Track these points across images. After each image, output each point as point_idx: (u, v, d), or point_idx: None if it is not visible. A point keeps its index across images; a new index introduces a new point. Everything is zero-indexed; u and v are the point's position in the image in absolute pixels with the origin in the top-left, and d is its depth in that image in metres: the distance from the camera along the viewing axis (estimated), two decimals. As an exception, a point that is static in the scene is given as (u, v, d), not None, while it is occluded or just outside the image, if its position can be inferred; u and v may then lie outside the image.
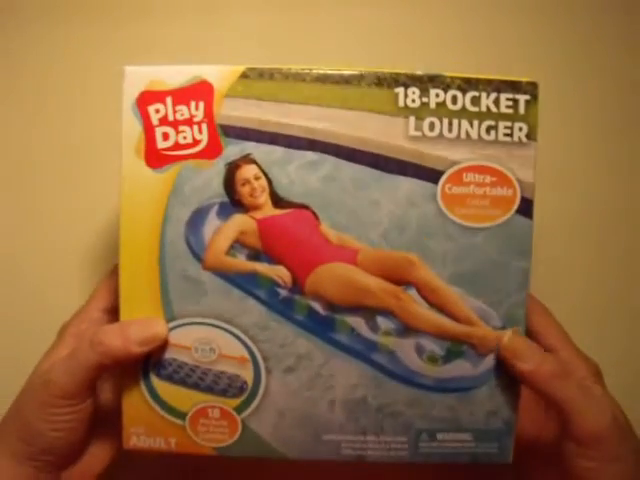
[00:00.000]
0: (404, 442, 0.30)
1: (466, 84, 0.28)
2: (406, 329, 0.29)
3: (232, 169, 0.28)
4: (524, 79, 0.28)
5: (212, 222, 0.28)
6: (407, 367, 0.29)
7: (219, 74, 0.27)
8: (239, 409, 0.29)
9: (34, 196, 0.37)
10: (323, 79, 0.28)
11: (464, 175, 0.28)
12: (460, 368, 0.29)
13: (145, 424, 0.29)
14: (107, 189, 0.34)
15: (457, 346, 0.29)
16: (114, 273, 0.30)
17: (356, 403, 0.29)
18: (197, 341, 0.29)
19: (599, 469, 0.27)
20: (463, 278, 0.29)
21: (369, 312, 0.29)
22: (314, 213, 0.28)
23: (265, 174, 0.28)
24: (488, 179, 0.28)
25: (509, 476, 0.34)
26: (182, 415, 0.29)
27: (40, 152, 0.37)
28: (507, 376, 0.29)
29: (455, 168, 0.28)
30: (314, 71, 0.28)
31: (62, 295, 0.36)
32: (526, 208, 0.28)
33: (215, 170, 0.28)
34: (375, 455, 0.30)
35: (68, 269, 0.37)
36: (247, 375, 0.29)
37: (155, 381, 0.29)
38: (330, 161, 0.28)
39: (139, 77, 0.27)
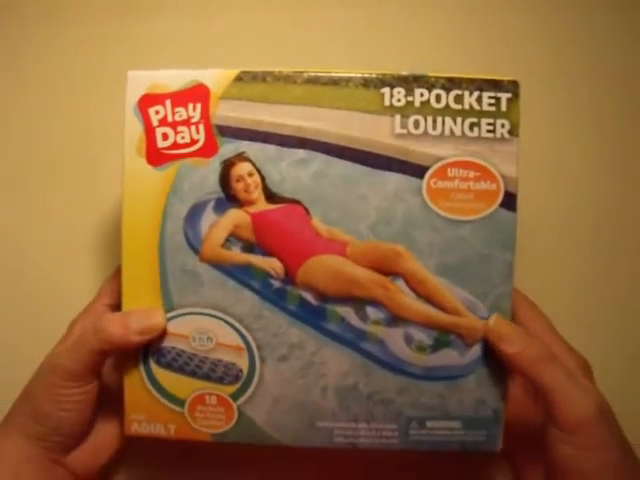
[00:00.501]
0: (394, 429, 0.30)
1: (449, 83, 0.29)
2: (394, 319, 0.30)
3: (227, 166, 0.29)
4: (505, 78, 0.29)
5: (209, 217, 0.30)
6: (396, 356, 0.30)
7: (215, 77, 0.29)
8: (235, 396, 0.30)
9: (38, 195, 0.38)
10: (313, 81, 0.29)
11: (449, 170, 0.29)
12: (448, 357, 0.30)
13: (146, 411, 0.31)
14: (109, 187, 0.36)
15: (445, 335, 0.30)
16: (119, 271, 0.32)
17: (347, 390, 0.30)
18: (195, 330, 0.30)
19: (580, 456, 0.27)
20: (449, 269, 0.30)
21: (358, 302, 0.30)
22: (305, 208, 0.29)
23: (258, 171, 0.29)
24: (472, 174, 0.29)
25: (501, 465, 0.35)
26: (181, 402, 0.31)
27: (43, 152, 0.38)
28: (494, 365, 0.30)
29: (440, 164, 0.29)
30: (304, 73, 0.29)
31: (67, 292, 0.37)
32: (510, 202, 0.29)
33: (211, 168, 0.29)
34: (367, 442, 0.31)
35: (73, 266, 0.38)
36: (242, 363, 0.30)
37: (155, 369, 0.30)
38: (320, 158, 0.29)
39: (140, 81, 0.29)
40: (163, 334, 0.30)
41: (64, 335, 0.32)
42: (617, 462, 0.28)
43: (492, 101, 0.29)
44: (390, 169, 0.29)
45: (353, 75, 0.29)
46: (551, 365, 0.28)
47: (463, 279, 0.30)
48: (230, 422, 0.31)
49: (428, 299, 0.30)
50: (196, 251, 0.30)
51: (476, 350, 0.30)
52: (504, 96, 0.29)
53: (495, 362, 0.30)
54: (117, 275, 0.32)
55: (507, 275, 0.30)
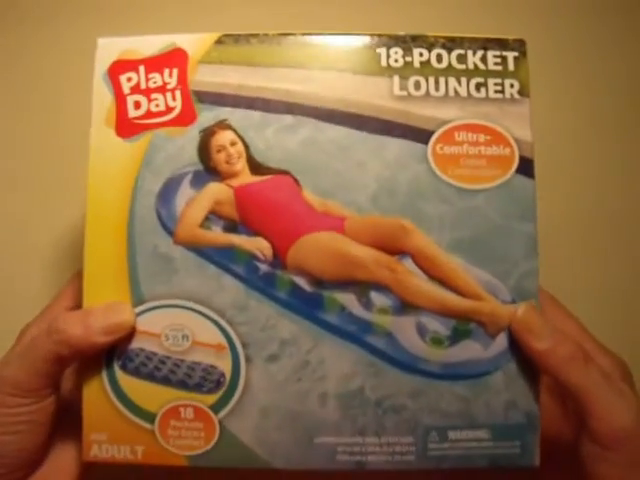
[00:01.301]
0: (410, 443, 0.25)
1: (451, 42, 0.27)
2: (404, 306, 0.25)
3: (207, 135, 0.26)
4: (511, 37, 0.27)
5: (185, 192, 0.26)
6: (408, 351, 0.25)
7: (194, 41, 0.27)
8: (216, 407, 0.25)
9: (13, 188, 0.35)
10: (300, 44, 0.27)
11: (456, 134, 0.26)
12: (469, 350, 0.25)
13: (108, 429, 0.25)
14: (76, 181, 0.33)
15: (464, 324, 0.25)
16: (81, 273, 0.28)
17: (352, 396, 0.25)
18: (168, 327, 0.25)
19: (624, 477, 0.23)
20: (464, 245, 0.26)
21: (361, 287, 0.26)
22: (295, 178, 0.26)
23: (242, 139, 0.26)
24: (482, 138, 0.26)
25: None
26: (150, 417, 0.25)
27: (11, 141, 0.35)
28: (524, 359, 0.25)
29: (446, 127, 0.26)
30: (291, 36, 0.27)
31: (25, 295, 0.33)
32: (526, 167, 0.26)
33: (188, 137, 0.26)
34: (377, 461, 0.25)
35: (32, 271, 0.34)
36: (224, 366, 0.25)
37: (120, 376, 0.25)
38: (310, 124, 0.26)
39: (112, 48, 0.27)
40: (130, 333, 0.25)
41: (13, 345, 0.27)
42: None
43: (498, 60, 0.27)
44: (390, 134, 0.26)
45: (345, 37, 0.27)
46: (586, 366, 0.24)
47: (480, 256, 0.26)
48: (210, 441, 0.25)
49: (441, 281, 0.25)
50: (170, 232, 0.26)
51: (502, 341, 0.25)
52: (511, 55, 0.27)
53: (525, 356, 0.25)
54: (79, 277, 0.28)
55: (530, 250, 0.26)
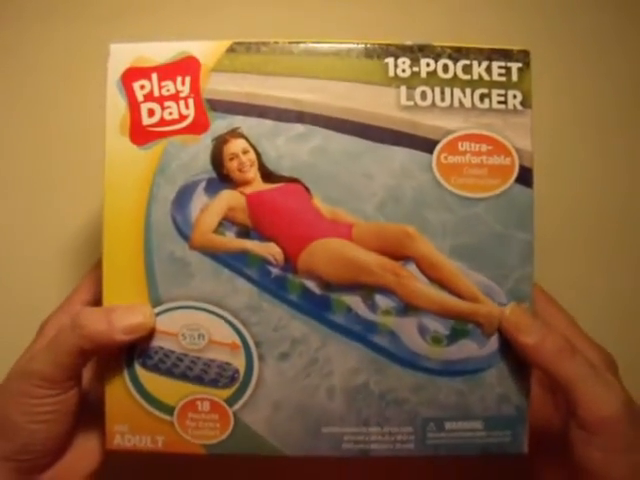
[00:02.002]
0: (410, 433, 0.27)
1: (457, 53, 0.28)
2: (407, 307, 0.27)
3: (220, 144, 0.27)
4: (515, 47, 0.28)
5: (199, 199, 0.27)
6: (410, 349, 0.27)
7: (205, 49, 0.27)
8: (230, 401, 0.27)
9: (14, 189, 0.36)
10: (311, 52, 0.27)
11: (459, 144, 0.27)
12: (466, 349, 0.27)
13: (130, 421, 0.27)
14: (90, 179, 0.33)
15: (462, 325, 0.27)
16: (98, 265, 0.29)
17: (357, 390, 0.27)
18: (185, 327, 0.27)
19: (609, 460, 0.25)
20: (464, 251, 0.27)
21: (367, 290, 0.27)
22: (305, 187, 0.27)
23: (254, 148, 0.27)
24: (484, 147, 0.27)
25: (520, 471, 0.32)
26: (169, 409, 0.27)
27: (21, 144, 0.36)
28: (516, 358, 0.27)
29: (450, 137, 0.27)
30: (302, 44, 0.27)
31: (43, 290, 0.34)
32: (525, 177, 0.27)
33: (202, 145, 0.27)
34: (379, 449, 0.27)
35: (50, 264, 0.35)
36: (239, 363, 0.27)
37: (140, 372, 0.27)
38: (320, 133, 0.27)
39: (124, 54, 0.27)
40: (150, 333, 0.27)
41: (35, 337, 0.29)
42: None
43: (502, 71, 0.28)
44: (397, 143, 0.27)
45: (354, 45, 0.27)
46: (572, 358, 0.26)
47: (479, 262, 0.27)
48: (225, 431, 0.27)
49: (442, 285, 0.27)
50: (185, 237, 0.27)
51: (496, 341, 0.27)
52: (515, 66, 0.28)
53: (517, 354, 0.27)
54: (96, 269, 0.29)
55: (526, 256, 0.27)
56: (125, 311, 0.26)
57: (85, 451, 0.29)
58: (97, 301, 0.29)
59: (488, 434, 0.27)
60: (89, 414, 0.28)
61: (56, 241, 0.36)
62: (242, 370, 0.27)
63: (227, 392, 0.27)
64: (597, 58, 0.37)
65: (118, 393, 0.27)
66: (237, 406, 0.27)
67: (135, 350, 0.27)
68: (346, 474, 0.31)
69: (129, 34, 0.33)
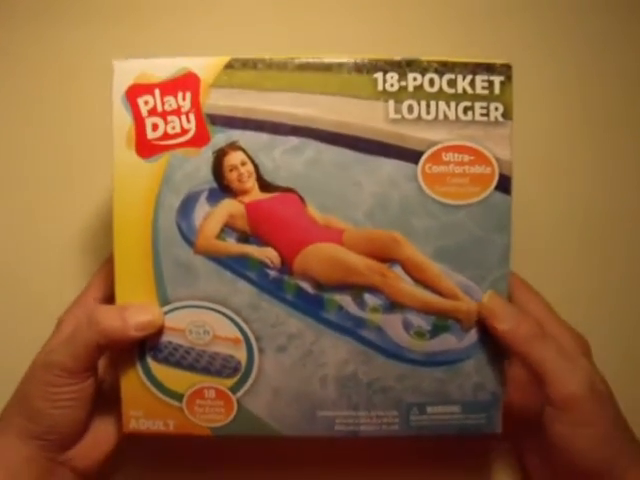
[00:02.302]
0: (395, 416, 0.30)
1: (442, 67, 0.29)
2: (393, 305, 0.30)
3: (220, 156, 0.29)
4: (498, 61, 0.29)
5: (202, 208, 0.29)
6: (395, 342, 0.30)
7: (205, 65, 0.29)
8: (234, 389, 0.30)
9: (27, 190, 0.38)
10: (304, 67, 0.29)
11: (443, 155, 0.29)
12: (446, 342, 0.30)
13: (144, 407, 0.30)
14: (99, 181, 0.35)
15: (443, 320, 0.30)
16: (108, 263, 0.31)
17: (347, 379, 0.30)
18: (191, 324, 0.30)
19: (572, 434, 0.28)
20: (446, 254, 0.30)
21: (356, 290, 0.30)
22: (300, 196, 0.29)
23: (251, 160, 0.29)
24: (467, 158, 0.29)
25: (502, 450, 0.35)
26: (179, 397, 0.30)
27: (32, 146, 0.37)
28: (492, 349, 0.30)
29: (434, 148, 0.29)
30: (295, 60, 0.29)
31: (56, 287, 0.36)
32: (504, 185, 0.29)
33: (203, 158, 0.29)
34: (368, 430, 0.31)
35: (62, 261, 0.37)
36: (241, 355, 0.30)
37: (152, 364, 0.30)
38: (313, 145, 0.29)
39: (127, 70, 0.29)
40: (160, 329, 0.30)
41: (53, 331, 0.32)
42: (610, 438, 0.28)
43: (485, 84, 0.29)
44: (384, 155, 0.29)
45: (345, 61, 0.29)
46: (543, 342, 0.29)
47: (460, 263, 0.30)
48: (229, 415, 0.30)
49: (426, 284, 0.30)
50: (190, 243, 0.29)
51: (473, 334, 0.30)
52: (497, 79, 0.29)
53: (493, 346, 0.30)
54: (106, 267, 0.32)
55: (503, 258, 0.30)
56: (137, 309, 0.29)
57: (102, 433, 0.32)
58: (108, 297, 0.32)
59: (465, 417, 0.31)
60: (104, 401, 0.31)
61: (67, 238, 0.38)
62: (244, 362, 0.30)
63: (231, 381, 0.30)
64: (588, 63, 0.38)
65: (132, 383, 0.30)
66: (240, 393, 0.30)
67: (147, 345, 0.30)
68: (337, 452, 0.35)
69: (130, 45, 0.34)
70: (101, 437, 0.32)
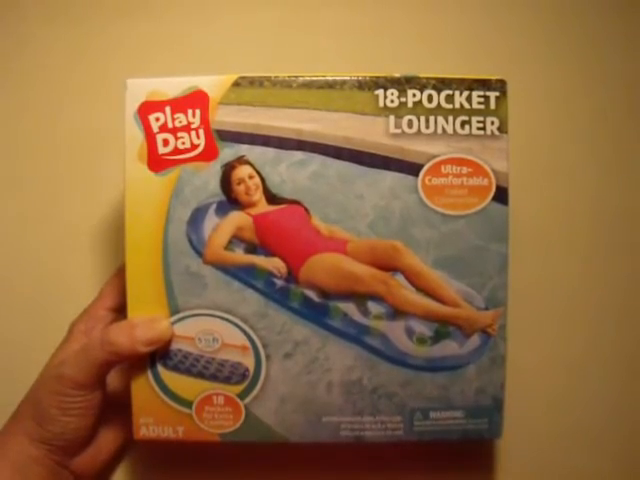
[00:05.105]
0: (399, 421, 0.31)
1: (440, 83, 0.30)
2: (396, 312, 0.31)
3: (228, 170, 0.30)
4: (494, 77, 0.31)
5: (211, 220, 0.30)
6: (398, 349, 0.31)
7: (213, 83, 0.30)
8: (242, 395, 0.31)
9: (41, 197, 0.38)
10: (308, 84, 0.30)
11: (442, 167, 0.30)
12: (448, 348, 0.31)
13: (154, 414, 0.31)
14: (110, 189, 0.37)
15: (444, 327, 0.31)
16: (119, 273, 0.33)
17: (352, 385, 0.31)
18: (201, 332, 0.31)
19: None
20: (446, 262, 0.31)
21: (360, 298, 0.31)
22: (305, 208, 0.30)
23: (258, 173, 0.30)
24: (465, 170, 0.30)
25: (503, 454, 0.35)
26: (188, 403, 0.31)
27: (46, 155, 0.38)
28: (492, 355, 0.31)
29: (434, 161, 0.30)
30: (300, 78, 0.30)
31: (69, 292, 0.37)
32: (502, 196, 0.31)
33: (212, 172, 0.30)
34: (372, 435, 0.31)
35: (74, 266, 0.38)
36: (249, 362, 0.31)
37: (162, 372, 0.31)
38: (318, 159, 0.30)
39: (140, 88, 0.30)
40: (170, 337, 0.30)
41: (65, 337, 0.33)
42: None
43: (481, 100, 0.31)
44: (386, 168, 0.30)
45: (348, 78, 0.30)
46: None
47: (460, 272, 0.31)
48: (238, 421, 0.31)
49: (427, 292, 0.31)
50: (200, 254, 0.30)
51: (474, 340, 0.31)
52: (492, 94, 0.31)
53: (493, 352, 0.31)
54: (118, 276, 0.33)
55: (502, 266, 0.31)
56: (146, 326, 0.30)
57: (108, 440, 0.33)
58: (118, 306, 0.33)
59: (468, 422, 0.31)
60: (110, 410, 0.32)
61: (83, 246, 0.38)
62: (252, 369, 0.31)
63: (239, 388, 0.31)
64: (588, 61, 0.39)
65: (143, 390, 0.31)
66: (248, 400, 0.31)
67: (157, 353, 0.31)
68: (343, 457, 0.35)
69: (142, 64, 0.36)
70: (106, 444, 0.33)
